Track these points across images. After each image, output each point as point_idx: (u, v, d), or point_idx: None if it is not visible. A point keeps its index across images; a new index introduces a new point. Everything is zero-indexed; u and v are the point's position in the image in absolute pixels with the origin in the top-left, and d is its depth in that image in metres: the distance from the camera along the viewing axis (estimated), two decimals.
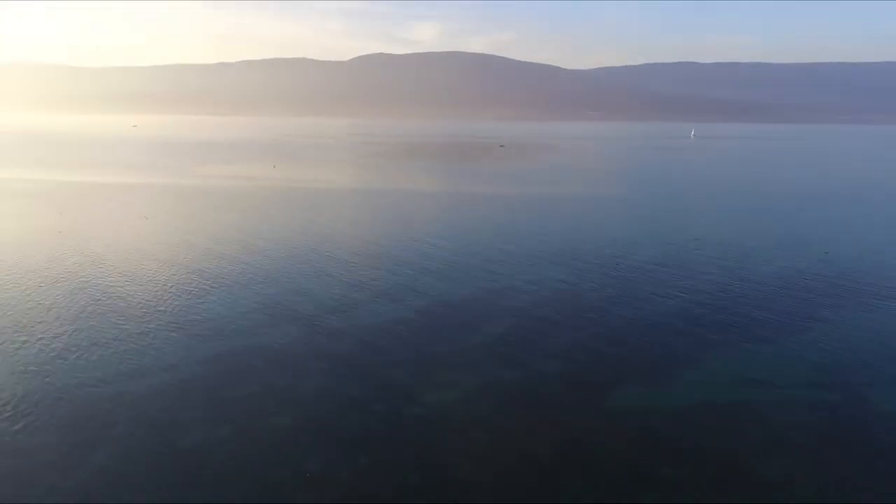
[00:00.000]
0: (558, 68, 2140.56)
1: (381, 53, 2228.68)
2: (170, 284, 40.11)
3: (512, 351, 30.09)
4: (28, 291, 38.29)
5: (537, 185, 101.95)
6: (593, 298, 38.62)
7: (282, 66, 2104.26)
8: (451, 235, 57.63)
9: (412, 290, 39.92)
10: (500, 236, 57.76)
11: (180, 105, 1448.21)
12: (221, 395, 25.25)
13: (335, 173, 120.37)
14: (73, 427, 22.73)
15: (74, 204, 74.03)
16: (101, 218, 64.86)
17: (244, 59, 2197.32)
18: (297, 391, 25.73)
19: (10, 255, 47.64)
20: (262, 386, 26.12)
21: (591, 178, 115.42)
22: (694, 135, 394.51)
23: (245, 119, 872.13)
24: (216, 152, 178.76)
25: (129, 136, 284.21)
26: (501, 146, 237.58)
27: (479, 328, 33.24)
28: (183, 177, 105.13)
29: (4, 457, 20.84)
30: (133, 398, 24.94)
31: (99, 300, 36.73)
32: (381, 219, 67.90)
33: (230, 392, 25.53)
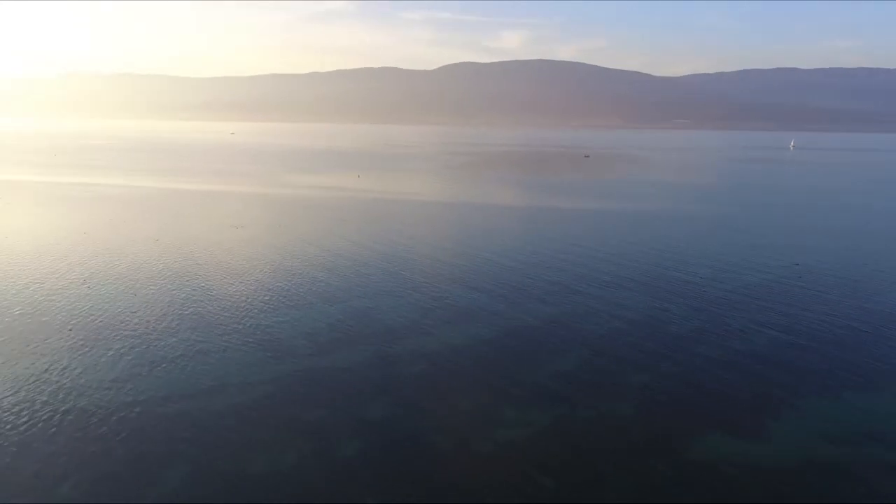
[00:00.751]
0: (648, 75, 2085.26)
1: (467, 62, 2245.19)
2: (249, 299, 41.14)
3: (585, 387, 28.75)
4: (112, 300, 40.20)
5: (621, 199, 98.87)
6: (676, 330, 36.52)
7: (370, 76, 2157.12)
8: (528, 254, 56.44)
9: (485, 312, 39.16)
10: (579, 256, 56.03)
11: (275, 112, 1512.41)
12: (289, 419, 25.38)
13: (417, 184, 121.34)
14: (143, 443, 23.35)
15: (170, 212, 77.89)
16: (195, 226, 67.78)
17: (335, 69, 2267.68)
18: (364, 418, 25.50)
19: (101, 260, 50.38)
20: (329, 411, 26.07)
21: (679, 193, 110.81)
22: (794, 145, 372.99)
23: (335, 126, 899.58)
24: (305, 160, 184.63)
25: (227, 143, 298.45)
26: (586, 156, 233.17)
27: (551, 358, 32.06)
28: (272, 185, 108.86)
29: (77, 470, 21.61)
30: (205, 416, 25.46)
31: (180, 313, 38.05)
32: (458, 234, 67.55)
33: (298, 416, 25.62)
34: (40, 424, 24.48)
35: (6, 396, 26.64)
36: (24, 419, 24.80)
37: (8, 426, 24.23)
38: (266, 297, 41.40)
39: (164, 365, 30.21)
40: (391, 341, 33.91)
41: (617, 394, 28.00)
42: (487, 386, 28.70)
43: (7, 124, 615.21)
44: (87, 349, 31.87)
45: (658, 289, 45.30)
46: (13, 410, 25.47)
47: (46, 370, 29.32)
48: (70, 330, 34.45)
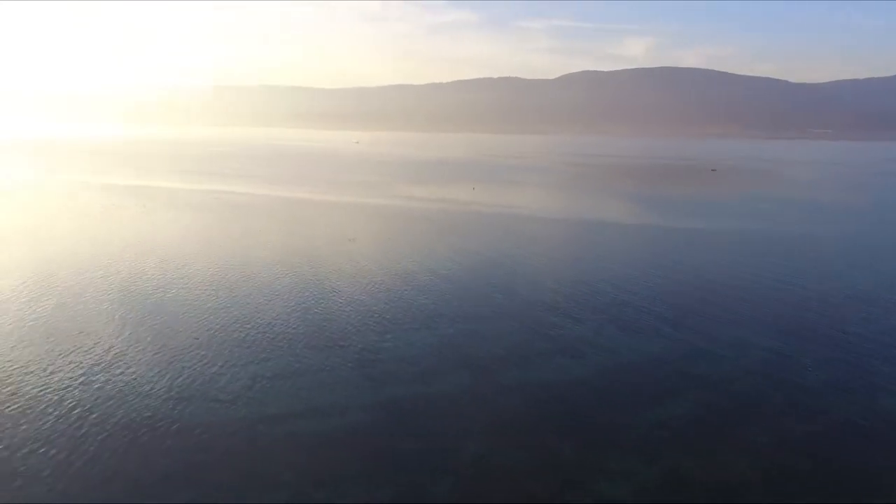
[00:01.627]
0: (784, 82, 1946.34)
1: (587, 71, 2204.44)
2: (352, 317, 41.67)
3: (700, 439, 26.36)
4: (224, 310, 42.09)
5: (750, 219, 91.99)
6: (811, 381, 32.79)
7: (489, 85, 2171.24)
8: (644, 280, 53.50)
9: (591, 345, 37.27)
10: (698, 284, 52.39)
11: (398, 122, 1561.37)
12: (385, 450, 25.14)
13: (530, 198, 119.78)
14: (241, 464, 23.90)
15: (290, 221, 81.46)
16: (311, 238, 70.34)
17: (455, 80, 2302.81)
18: (459, 455, 24.77)
19: (216, 269, 53.09)
20: (425, 443, 25.59)
21: (818, 214, 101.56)
22: None
23: (454, 136, 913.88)
24: (422, 171, 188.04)
25: (350, 152, 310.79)
26: (713, 170, 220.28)
27: (663, 400, 29.82)
28: (387, 196, 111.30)
29: (180, 484, 22.43)
30: (303, 442, 25.75)
31: (283, 329, 39.14)
32: (569, 256, 65.51)
33: (394, 447, 25.34)
34: (144, 435, 25.79)
35: (126, 403, 28.38)
36: (122, 430, 26.25)
37: (122, 431, 25.73)
38: (369, 316, 41.79)
39: (263, 382, 31.03)
40: (491, 372, 33.04)
41: (738, 449, 25.42)
42: (589, 429, 27.08)
43: (163, 132, 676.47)
44: (196, 361, 33.44)
45: (788, 327, 41.24)
46: (129, 418, 27.06)
47: (153, 379, 31.02)
48: (195, 338, 36.41)
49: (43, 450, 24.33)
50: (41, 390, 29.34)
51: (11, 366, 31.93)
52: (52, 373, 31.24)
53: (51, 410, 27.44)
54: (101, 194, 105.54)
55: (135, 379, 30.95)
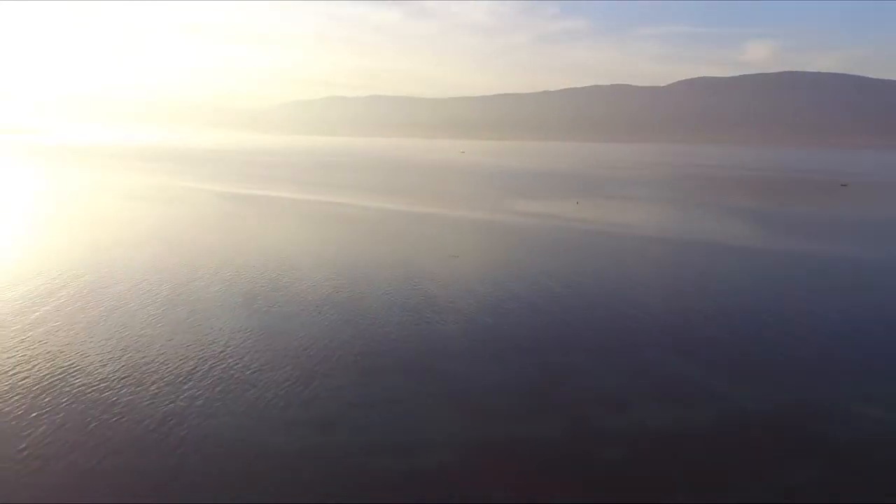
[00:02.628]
0: None
1: (704, 77, 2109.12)
2: (449, 342, 40.49)
3: None
4: (324, 331, 42.15)
5: (891, 243, 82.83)
6: None
7: (600, 93, 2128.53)
8: (765, 315, 48.79)
9: (699, 389, 33.89)
10: (825, 326, 47.00)
11: (506, 131, 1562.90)
12: (472, 495, 23.60)
13: (639, 214, 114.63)
14: (327, 499, 23.18)
15: (394, 235, 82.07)
16: (414, 253, 70.25)
17: (565, 88, 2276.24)
18: None
19: (317, 284, 53.72)
20: (514, 492, 23.80)
21: None
22: None
23: (561, 145, 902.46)
24: (526, 182, 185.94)
25: (455, 162, 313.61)
26: (843, 185, 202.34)
27: (788, 466, 26.28)
28: (490, 210, 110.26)
29: None
30: (390, 479, 24.70)
31: (381, 352, 38.52)
32: (679, 283, 61.22)
33: (483, 494, 23.74)
34: (233, 458, 25.65)
35: (214, 418, 28.57)
36: (211, 446, 26.21)
37: (210, 448, 25.78)
38: (462, 341, 40.47)
39: (356, 410, 30.36)
40: (585, 413, 30.67)
41: None
42: (699, 488, 24.19)
43: (279, 142, 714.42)
44: (289, 382, 33.37)
45: None
46: (220, 436, 27.14)
47: (243, 398, 31.12)
48: (291, 356, 36.61)
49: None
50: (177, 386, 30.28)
51: (153, 368, 33.32)
52: (181, 374, 32.23)
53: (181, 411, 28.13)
54: (218, 202, 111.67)
55: (225, 398, 31.25)
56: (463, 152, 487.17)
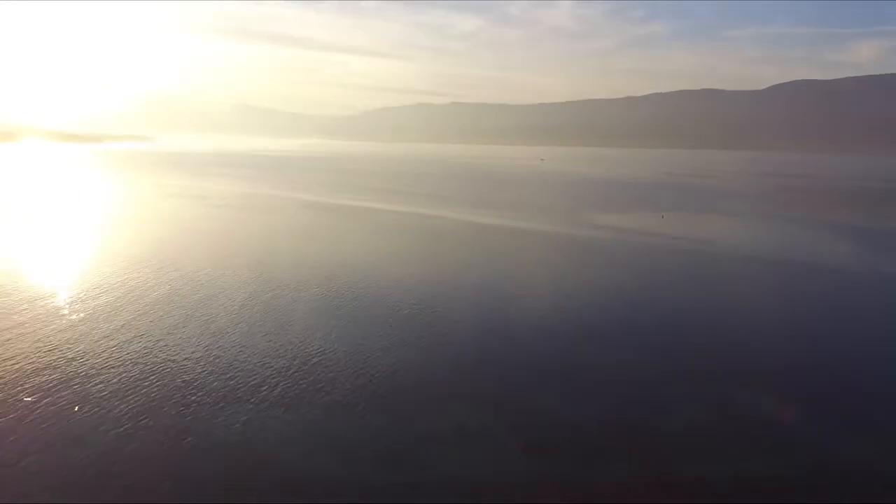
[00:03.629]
0: None
1: (803, 80, 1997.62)
2: (523, 374, 38.92)
3: None
4: (413, 353, 41.39)
5: None
6: None
7: (688, 98, 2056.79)
8: (857, 349, 44.41)
9: (801, 438, 30.83)
10: None
11: (588, 137, 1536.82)
12: None
13: (731, 230, 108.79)
14: None
15: (475, 250, 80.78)
16: (494, 272, 68.84)
17: (651, 93, 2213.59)
18: None
19: (393, 303, 52.99)
20: None
21: None
22: None
23: (646, 152, 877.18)
24: (609, 193, 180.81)
25: (534, 171, 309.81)
26: None
27: None
28: (570, 224, 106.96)
29: None
30: None
31: (457, 381, 37.42)
32: (776, 309, 56.98)
33: None
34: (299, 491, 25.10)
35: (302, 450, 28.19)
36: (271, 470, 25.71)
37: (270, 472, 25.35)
38: (538, 372, 38.73)
39: (429, 444, 29.36)
40: (663, 458, 28.42)
41: None
42: None
43: (364, 149, 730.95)
44: (370, 413, 32.75)
45: None
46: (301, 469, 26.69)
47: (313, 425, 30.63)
48: (369, 386, 36.13)
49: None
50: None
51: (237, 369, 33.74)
52: (249, 387, 32.40)
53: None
54: (303, 212, 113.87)
55: (291, 422, 30.95)
56: (542, 160, 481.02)
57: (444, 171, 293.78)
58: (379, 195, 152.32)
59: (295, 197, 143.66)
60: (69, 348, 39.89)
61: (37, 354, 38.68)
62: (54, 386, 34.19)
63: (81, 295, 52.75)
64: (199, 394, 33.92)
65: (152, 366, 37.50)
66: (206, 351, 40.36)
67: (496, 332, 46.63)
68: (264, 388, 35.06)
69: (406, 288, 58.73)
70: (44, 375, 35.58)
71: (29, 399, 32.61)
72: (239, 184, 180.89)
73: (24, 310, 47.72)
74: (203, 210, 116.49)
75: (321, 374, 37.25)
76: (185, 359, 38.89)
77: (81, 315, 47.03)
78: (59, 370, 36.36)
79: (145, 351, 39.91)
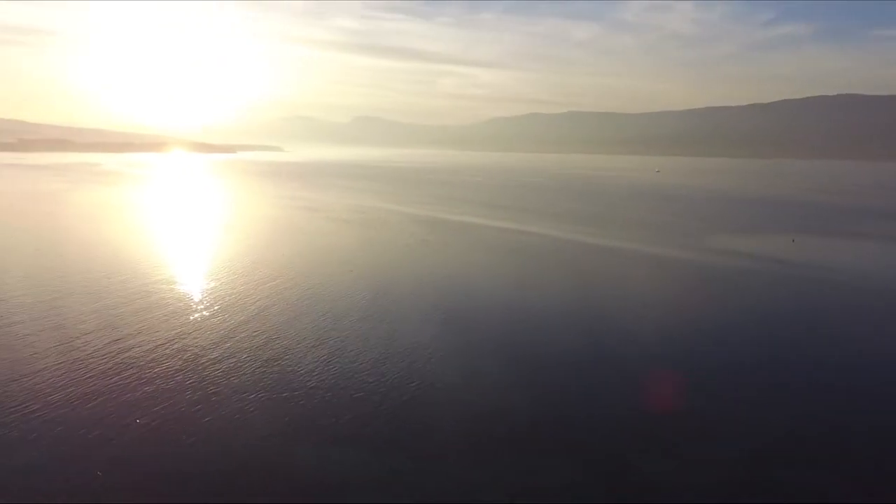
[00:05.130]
0: None
1: None
2: (628, 430, 36.22)
3: None
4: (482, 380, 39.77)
5: None
6: None
7: (822, 104, 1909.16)
8: None
9: None
10: None
11: (708, 147, 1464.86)
12: None
13: (875, 258, 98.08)
14: None
15: (577, 273, 77.68)
16: (598, 299, 65.78)
17: (779, 99, 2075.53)
18: None
19: (483, 324, 51.41)
20: None
21: None
22: None
23: (771, 162, 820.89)
24: (729, 210, 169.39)
25: (651, 182, 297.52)
26: None
27: None
28: (688, 246, 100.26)
29: None
30: None
31: (545, 431, 35.44)
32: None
33: None
34: None
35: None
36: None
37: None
38: (639, 428, 35.87)
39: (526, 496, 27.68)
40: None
41: None
42: None
43: (478, 160, 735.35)
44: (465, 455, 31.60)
45: None
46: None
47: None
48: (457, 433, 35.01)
49: None
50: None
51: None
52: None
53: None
54: (411, 226, 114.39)
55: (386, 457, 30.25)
56: (658, 171, 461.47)
57: (556, 183, 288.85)
58: (488, 210, 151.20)
59: (406, 211, 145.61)
60: (197, 340, 41.71)
61: (163, 343, 40.74)
62: (182, 372, 35.75)
63: (192, 299, 55.43)
64: (311, 385, 34.14)
65: (266, 363, 38.35)
66: (312, 348, 40.75)
67: (598, 374, 43.94)
68: (364, 396, 34.78)
69: (504, 310, 57.17)
70: (176, 359, 37.35)
71: (150, 388, 34.19)
72: (353, 196, 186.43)
73: (145, 306, 50.73)
74: (317, 223, 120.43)
75: (414, 403, 36.54)
76: (299, 369, 39.45)
77: (209, 311, 49.25)
78: (188, 358, 38.05)
79: (258, 349, 40.96)
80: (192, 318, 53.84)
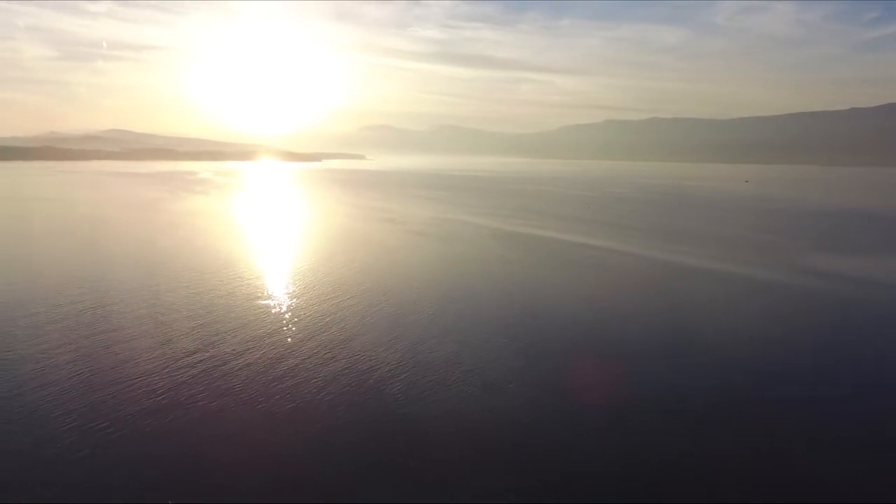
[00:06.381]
0: None
1: None
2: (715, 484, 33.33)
3: None
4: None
5: None
6: None
7: None
8: None
9: None
10: None
11: (801, 154, 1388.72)
12: None
13: None
14: None
15: (661, 294, 73.80)
16: (684, 329, 62.16)
17: (885, 103, 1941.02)
18: None
19: (570, 347, 49.18)
20: None
21: None
22: None
23: (878, 172, 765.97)
24: (832, 226, 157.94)
25: (740, 193, 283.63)
26: None
27: None
28: (784, 267, 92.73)
29: None
30: None
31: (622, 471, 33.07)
32: None
33: None
34: None
35: None
36: None
37: None
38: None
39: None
40: None
41: None
42: None
43: (556, 168, 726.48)
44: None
45: None
46: None
47: None
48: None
49: None
50: None
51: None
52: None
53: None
54: (487, 240, 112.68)
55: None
56: (748, 181, 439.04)
57: (640, 195, 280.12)
58: (569, 224, 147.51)
59: (483, 224, 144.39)
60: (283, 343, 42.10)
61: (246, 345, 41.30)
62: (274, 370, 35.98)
63: (269, 306, 56.22)
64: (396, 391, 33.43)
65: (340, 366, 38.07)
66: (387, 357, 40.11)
67: (697, 418, 40.99)
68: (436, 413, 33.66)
69: (594, 341, 54.75)
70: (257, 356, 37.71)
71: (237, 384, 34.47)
72: (430, 207, 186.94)
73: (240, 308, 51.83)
74: (393, 236, 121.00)
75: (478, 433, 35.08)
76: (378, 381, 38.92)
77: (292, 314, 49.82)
78: (274, 359, 38.36)
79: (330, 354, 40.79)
80: (258, 333, 54.56)
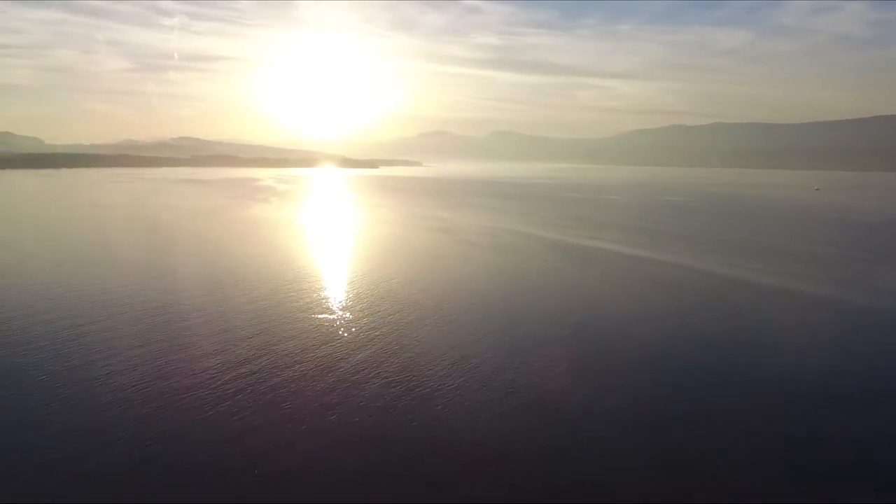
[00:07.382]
0: None
1: None
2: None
3: None
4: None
5: None
6: None
7: None
8: None
9: None
10: None
11: (876, 160, 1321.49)
12: None
13: None
14: None
15: (726, 317, 70.74)
16: (745, 350, 59.29)
17: None
18: None
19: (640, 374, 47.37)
20: None
21: None
22: None
23: None
24: None
25: (809, 202, 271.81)
26: None
27: None
28: (854, 286, 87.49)
29: None
30: None
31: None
32: None
33: None
34: None
35: None
36: None
37: None
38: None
39: None
40: None
41: None
42: None
43: (618, 175, 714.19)
44: None
45: None
46: None
47: None
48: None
49: None
50: None
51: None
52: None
53: None
54: (543, 252, 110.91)
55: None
56: (818, 189, 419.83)
57: (704, 204, 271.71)
58: (631, 236, 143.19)
59: (540, 235, 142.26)
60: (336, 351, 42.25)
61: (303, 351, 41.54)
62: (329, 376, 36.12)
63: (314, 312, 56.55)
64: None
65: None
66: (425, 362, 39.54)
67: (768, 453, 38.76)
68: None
69: (641, 352, 52.75)
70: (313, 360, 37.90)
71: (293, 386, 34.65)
72: (486, 216, 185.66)
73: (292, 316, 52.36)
74: (447, 248, 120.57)
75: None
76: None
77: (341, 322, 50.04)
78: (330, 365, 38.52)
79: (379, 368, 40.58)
80: (309, 343, 54.88)
